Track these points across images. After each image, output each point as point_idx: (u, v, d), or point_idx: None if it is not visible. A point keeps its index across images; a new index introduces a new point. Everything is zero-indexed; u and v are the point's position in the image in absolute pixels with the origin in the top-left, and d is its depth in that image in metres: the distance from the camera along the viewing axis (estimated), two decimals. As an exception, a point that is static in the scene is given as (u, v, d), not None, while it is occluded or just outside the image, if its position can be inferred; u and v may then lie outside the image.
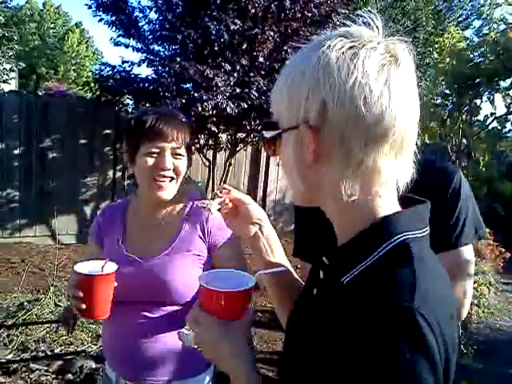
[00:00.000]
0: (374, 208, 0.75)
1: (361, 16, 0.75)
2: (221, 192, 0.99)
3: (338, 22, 6.63)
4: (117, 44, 6.44)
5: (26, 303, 4.50)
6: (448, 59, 6.94)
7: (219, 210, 0.97)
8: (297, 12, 5.98)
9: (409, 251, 0.71)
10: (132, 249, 1.56)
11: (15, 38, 6.05)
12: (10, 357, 3.57)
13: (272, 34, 5.76)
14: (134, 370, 1.52)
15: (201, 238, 1.55)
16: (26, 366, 3.48)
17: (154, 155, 1.49)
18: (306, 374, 0.74)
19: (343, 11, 6.72)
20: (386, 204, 0.75)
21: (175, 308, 1.50)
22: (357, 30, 0.74)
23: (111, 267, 1.38)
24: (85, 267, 1.36)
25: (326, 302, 0.77)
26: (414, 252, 0.71)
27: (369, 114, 0.69)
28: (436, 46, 8.25)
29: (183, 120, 1.57)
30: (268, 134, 0.83)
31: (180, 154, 1.52)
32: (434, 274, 0.72)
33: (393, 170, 0.74)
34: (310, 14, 6.08)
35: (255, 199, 8.42)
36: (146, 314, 1.52)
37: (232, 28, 5.47)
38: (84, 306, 1.33)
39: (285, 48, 5.92)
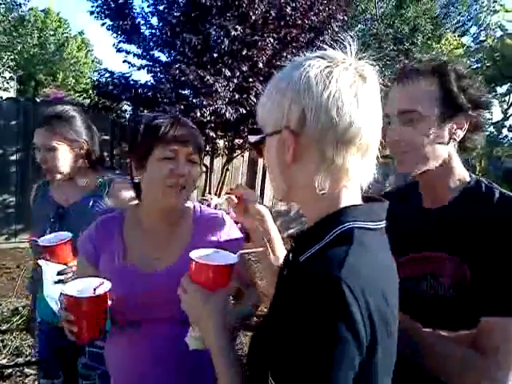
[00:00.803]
0: (337, 201, 0.89)
1: (340, 41, 0.91)
2: (231, 189, 1.18)
3: (336, 29, 6.68)
4: (119, 50, 6.45)
5: (20, 308, 4.46)
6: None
7: (218, 205, 1.18)
8: (297, 19, 6.01)
9: (351, 236, 0.84)
10: (137, 263, 1.46)
11: (18, 47, 6.02)
12: (4, 362, 3.53)
13: (272, 40, 5.77)
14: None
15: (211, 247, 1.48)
16: (20, 370, 3.44)
17: (169, 160, 1.40)
18: (268, 342, 0.86)
19: (341, 18, 6.77)
20: (349, 198, 0.90)
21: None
22: (332, 54, 0.90)
23: (104, 287, 1.29)
24: (75, 288, 1.27)
25: (289, 280, 0.90)
26: (355, 237, 0.84)
27: (340, 121, 0.84)
28: (433, 52, 8.32)
29: (194, 127, 1.52)
30: (253, 139, 0.98)
31: (194, 161, 1.45)
32: (370, 256, 0.84)
33: (358, 169, 0.89)
34: (309, 21, 6.11)
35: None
36: (159, 332, 1.42)
37: (232, 34, 5.48)
38: (76, 330, 1.27)
39: (284, 54, 5.94)
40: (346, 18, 6.99)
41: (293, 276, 0.88)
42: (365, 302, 0.76)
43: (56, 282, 1.61)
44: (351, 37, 0.92)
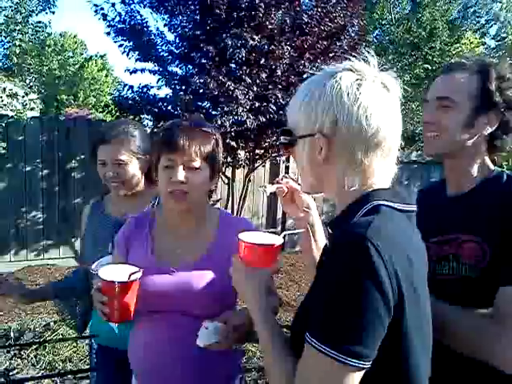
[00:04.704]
0: (366, 190, 1.00)
1: (358, 49, 1.10)
2: (281, 179, 1.28)
3: (353, 35, 6.67)
4: (133, 72, 6.52)
5: (52, 323, 4.53)
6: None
7: (274, 192, 1.27)
8: (313, 27, 6.02)
9: (377, 209, 0.95)
10: (163, 259, 1.54)
11: (44, 69, 6.22)
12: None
13: (288, 48, 5.79)
14: (161, 382, 1.49)
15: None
16: (53, 385, 3.48)
17: (168, 168, 1.48)
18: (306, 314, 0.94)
19: (357, 23, 6.76)
20: (376, 186, 1.00)
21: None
22: (360, 66, 1.01)
23: (136, 275, 1.39)
24: (109, 272, 1.38)
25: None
26: (381, 210, 0.94)
27: (369, 128, 0.96)
28: (453, 52, 8.23)
29: (205, 130, 1.54)
30: (286, 139, 1.09)
31: (193, 167, 1.48)
32: (395, 225, 0.93)
33: (382, 169, 1.01)
34: (325, 28, 6.11)
35: (275, 215, 8.40)
36: (177, 324, 1.49)
37: (249, 44, 5.52)
38: (107, 310, 1.37)
39: (302, 62, 5.95)
40: (362, 23, 6.97)
41: (328, 251, 0.97)
42: (389, 258, 0.84)
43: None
44: (369, 52, 1.03)
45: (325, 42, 6.26)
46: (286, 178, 1.29)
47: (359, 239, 0.85)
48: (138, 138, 2.03)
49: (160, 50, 6.50)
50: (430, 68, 12.50)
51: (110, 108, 8.45)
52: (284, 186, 1.28)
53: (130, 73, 6.50)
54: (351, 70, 1.00)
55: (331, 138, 0.98)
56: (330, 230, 1.08)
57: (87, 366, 3.73)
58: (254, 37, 5.58)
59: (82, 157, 6.93)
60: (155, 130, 6.18)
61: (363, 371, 0.85)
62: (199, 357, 1.44)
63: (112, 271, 1.39)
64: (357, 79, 0.98)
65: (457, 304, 1.24)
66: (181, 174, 1.46)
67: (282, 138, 1.10)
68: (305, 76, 5.81)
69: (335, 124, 0.97)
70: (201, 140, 1.49)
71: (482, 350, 1.18)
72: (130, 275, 1.38)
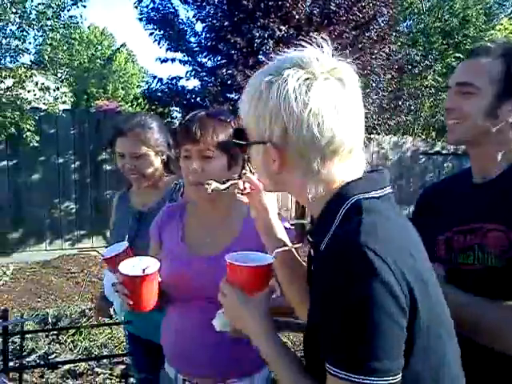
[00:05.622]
0: (334, 189, 0.91)
1: (313, 41, 0.91)
2: (245, 174, 1.17)
3: (382, 25, 6.59)
4: (164, 61, 6.61)
5: (87, 311, 4.66)
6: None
7: (225, 189, 1.19)
8: (341, 16, 5.97)
9: (359, 207, 0.86)
10: (193, 247, 1.57)
11: (75, 63, 6.36)
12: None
13: (316, 38, 5.74)
14: (191, 366, 1.53)
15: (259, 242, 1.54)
16: (91, 369, 3.60)
17: (187, 158, 1.50)
18: (314, 330, 0.87)
19: (387, 13, 6.67)
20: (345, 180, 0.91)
21: None
22: (309, 59, 0.88)
23: (153, 267, 1.43)
24: (129, 266, 1.43)
25: (317, 271, 0.91)
26: (364, 207, 0.85)
27: (322, 137, 0.85)
28: (486, 39, 8.02)
29: (221, 119, 1.53)
30: (240, 142, 0.99)
31: (207, 156, 1.48)
32: (384, 219, 0.86)
33: (345, 171, 0.91)
34: (354, 17, 6.05)
35: (304, 207, 8.38)
36: (206, 311, 1.52)
37: (277, 35, 5.51)
38: (131, 302, 1.43)
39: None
40: (391, 12, 6.87)
41: (318, 266, 0.89)
42: (393, 262, 0.77)
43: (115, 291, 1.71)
44: (323, 38, 0.92)
45: (353, 32, 6.20)
46: (247, 174, 1.16)
47: (355, 248, 0.78)
48: (155, 130, 2.03)
49: (189, 41, 6.56)
50: (461, 57, 12.20)
51: (139, 101, 8.57)
52: (242, 182, 1.15)
53: (161, 62, 6.58)
54: (300, 67, 0.87)
55: (283, 148, 0.88)
56: (310, 239, 0.98)
57: (122, 352, 3.85)
58: (282, 27, 5.57)
59: (111, 148, 7.06)
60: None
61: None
62: (230, 343, 1.47)
63: (132, 264, 1.44)
64: (306, 79, 0.86)
65: (482, 295, 1.20)
66: (195, 164, 1.47)
67: (235, 140, 1.01)
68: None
69: (285, 132, 0.87)
70: (215, 129, 1.49)
71: (509, 342, 1.14)
72: (146, 268, 1.42)
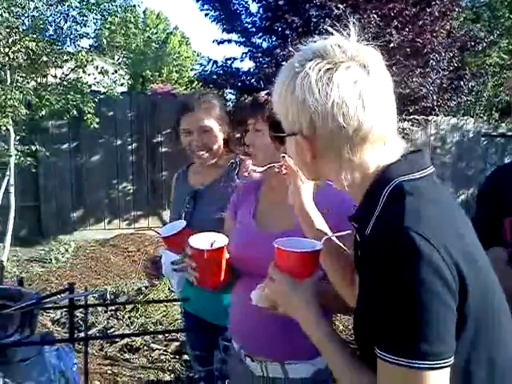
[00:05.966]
0: (371, 174, 0.91)
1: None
2: (283, 158, 1.18)
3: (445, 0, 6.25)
4: (220, 43, 6.62)
5: (143, 288, 4.83)
6: None
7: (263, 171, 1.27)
8: (400, -8, 5.73)
9: (402, 190, 0.86)
10: (263, 223, 1.59)
11: (132, 46, 6.50)
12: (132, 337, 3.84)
13: (375, 17, 5.56)
14: (254, 344, 1.54)
15: (333, 218, 1.52)
16: (147, 345, 3.73)
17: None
18: (365, 316, 0.87)
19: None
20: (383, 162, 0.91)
21: None
22: (331, 47, 0.88)
23: (221, 242, 1.47)
24: (199, 240, 1.47)
25: (363, 257, 0.91)
26: (405, 190, 0.85)
27: (348, 126, 0.86)
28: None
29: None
30: (275, 135, 1.06)
31: (258, 129, 1.52)
32: (427, 201, 0.85)
33: (379, 156, 0.91)
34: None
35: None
36: None
37: (334, 13, 5.36)
38: (197, 275, 1.47)
39: (388, 30, 5.70)
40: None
41: (365, 251, 0.90)
42: (439, 242, 0.77)
43: (173, 270, 1.72)
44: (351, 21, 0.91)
45: (413, 9, 5.94)
46: (285, 157, 1.16)
47: (400, 232, 0.78)
48: (218, 106, 2.06)
49: (244, 22, 6.53)
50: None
51: (194, 84, 8.66)
52: (279, 166, 1.21)
53: (218, 43, 6.60)
54: (322, 57, 0.88)
55: (312, 138, 0.90)
56: (355, 225, 0.98)
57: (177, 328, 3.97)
58: (339, 5, 5.41)
59: (168, 131, 7.22)
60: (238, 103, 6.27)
61: (449, 367, 0.78)
62: (291, 324, 1.47)
63: (201, 239, 1.47)
64: (327, 70, 0.86)
65: None
66: (249, 136, 1.54)
67: (271, 132, 1.07)
68: (391, 46, 5.57)
69: (313, 124, 0.88)
70: (267, 103, 1.50)
71: None
72: (213, 243, 1.46)
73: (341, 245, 1.17)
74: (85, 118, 5.85)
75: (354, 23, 0.91)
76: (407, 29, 5.86)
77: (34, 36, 5.46)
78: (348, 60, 0.87)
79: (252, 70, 6.36)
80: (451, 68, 6.83)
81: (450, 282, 0.76)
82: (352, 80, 0.86)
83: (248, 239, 1.55)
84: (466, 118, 9.57)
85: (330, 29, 0.94)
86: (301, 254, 1.09)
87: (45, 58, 5.50)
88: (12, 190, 5.73)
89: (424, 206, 0.84)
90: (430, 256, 0.75)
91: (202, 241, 1.47)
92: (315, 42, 0.93)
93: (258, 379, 1.54)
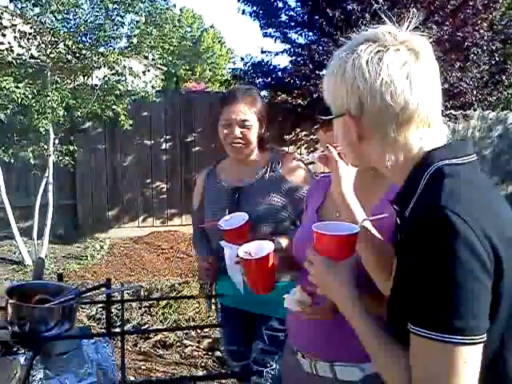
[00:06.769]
0: (414, 157, 0.95)
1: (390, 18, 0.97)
2: (327, 148, 1.28)
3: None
4: (264, 35, 6.59)
5: (176, 285, 4.87)
6: None
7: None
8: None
9: (442, 173, 0.89)
10: (324, 217, 1.56)
11: (166, 46, 6.53)
12: (165, 333, 3.87)
13: (415, 10, 5.39)
14: (304, 341, 1.53)
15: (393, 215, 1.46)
16: (180, 341, 3.75)
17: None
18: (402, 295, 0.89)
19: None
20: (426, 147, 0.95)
21: None
22: (383, 33, 0.93)
23: (266, 249, 1.48)
24: (246, 249, 1.50)
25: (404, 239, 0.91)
26: (445, 173, 0.88)
27: (395, 104, 0.91)
28: None
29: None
30: (323, 118, 1.12)
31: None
32: (465, 183, 0.88)
33: (423, 139, 0.94)
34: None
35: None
36: None
37: (374, 7, 5.24)
38: (250, 282, 1.54)
39: (429, 25, 5.53)
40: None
41: (404, 232, 0.91)
42: (475, 220, 0.79)
43: (236, 263, 1.68)
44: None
45: (455, 2, 5.75)
46: (330, 148, 1.27)
47: (436, 210, 0.81)
48: (261, 103, 2.03)
49: (282, 16, 6.48)
50: None
51: (228, 82, 8.66)
52: (325, 155, 1.28)
53: (263, 35, 6.58)
54: (373, 41, 0.93)
55: (360, 118, 0.95)
56: (395, 207, 1.01)
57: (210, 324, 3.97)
58: (379, 0, 5.28)
59: (200, 129, 7.24)
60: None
61: (482, 343, 0.79)
62: (342, 325, 1.43)
63: (248, 248, 1.51)
64: (377, 51, 0.92)
65: None
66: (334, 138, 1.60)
67: (319, 116, 1.13)
68: (431, 40, 5.41)
69: (361, 103, 0.94)
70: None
71: None
72: (250, 253, 1.49)
73: (375, 232, 1.21)
74: (119, 118, 5.93)
75: (412, 15, 0.96)
76: (448, 22, 5.69)
77: (75, 38, 5.58)
78: (398, 44, 0.92)
79: (289, 67, 6.29)
80: (493, 62, 6.60)
81: (484, 260, 0.78)
82: (401, 61, 0.91)
83: (305, 232, 1.53)
84: (506, 112, 9.26)
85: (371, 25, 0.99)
86: (338, 237, 1.12)
87: (84, 61, 5.61)
88: (50, 188, 5.87)
89: (461, 187, 0.86)
90: (465, 234, 0.77)
91: (249, 249, 1.51)
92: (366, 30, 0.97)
93: (307, 375, 1.53)
